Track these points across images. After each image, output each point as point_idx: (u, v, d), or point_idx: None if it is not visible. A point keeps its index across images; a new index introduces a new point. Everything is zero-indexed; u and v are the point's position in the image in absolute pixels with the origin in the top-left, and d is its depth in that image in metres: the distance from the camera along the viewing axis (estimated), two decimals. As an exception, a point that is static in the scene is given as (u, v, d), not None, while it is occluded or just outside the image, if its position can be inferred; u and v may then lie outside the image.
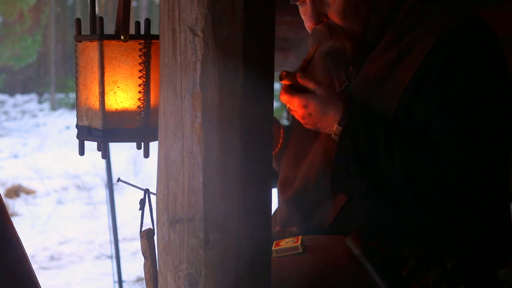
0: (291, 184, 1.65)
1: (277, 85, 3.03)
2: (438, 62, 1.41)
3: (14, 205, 6.85)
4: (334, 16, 1.52)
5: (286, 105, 1.55)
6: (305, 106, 1.49)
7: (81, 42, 1.22)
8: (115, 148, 5.17)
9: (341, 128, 1.46)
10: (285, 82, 1.52)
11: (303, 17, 1.58)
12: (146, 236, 1.27)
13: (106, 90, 1.19)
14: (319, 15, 1.53)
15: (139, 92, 1.20)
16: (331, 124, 1.48)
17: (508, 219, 1.49)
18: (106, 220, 4.27)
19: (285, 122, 2.62)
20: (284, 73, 1.52)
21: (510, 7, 2.83)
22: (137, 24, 1.27)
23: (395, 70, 1.46)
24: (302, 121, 1.52)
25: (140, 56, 1.19)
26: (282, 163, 1.73)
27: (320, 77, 1.63)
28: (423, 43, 1.44)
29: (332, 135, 1.48)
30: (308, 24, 1.56)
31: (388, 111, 1.44)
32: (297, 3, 1.56)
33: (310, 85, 1.51)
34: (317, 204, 1.56)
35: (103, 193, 6.84)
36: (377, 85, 1.49)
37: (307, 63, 1.54)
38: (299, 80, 1.52)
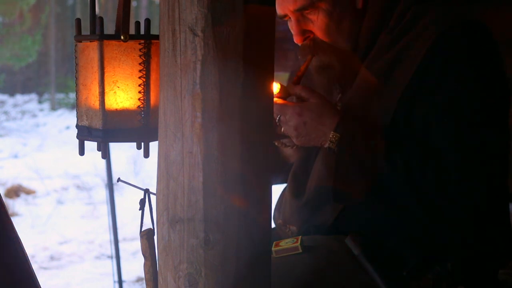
0: (297, 183, 1.65)
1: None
2: (436, 63, 1.41)
3: (14, 205, 6.84)
4: (318, 33, 1.53)
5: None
6: (300, 114, 1.44)
7: (81, 42, 1.22)
8: (115, 148, 5.17)
9: (338, 135, 1.42)
10: (277, 95, 1.50)
11: (291, 31, 1.58)
12: (146, 236, 1.27)
13: (106, 90, 1.19)
14: (304, 32, 1.54)
15: (139, 92, 1.20)
16: (326, 133, 1.43)
17: (508, 220, 1.48)
18: (106, 220, 4.27)
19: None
20: (280, 86, 1.50)
21: (510, 8, 2.82)
22: (137, 24, 1.27)
23: (393, 73, 1.45)
24: (293, 134, 1.46)
25: (140, 56, 1.19)
26: (296, 157, 1.70)
27: (317, 90, 1.62)
28: (420, 44, 1.43)
29: (327, 144, 1.44)
30: (295, 40, 1.57)
31: (387, 115, 1.43)
32: (284, 19, 1.57)
33: (304, 94, 1.48)
34: (317, 207, 1.56)
35: (103, 193, 6.83)
36: (375, 89, 1.48)
37: (299, 79, 1.54)
38: (291, 90, 1.49)
